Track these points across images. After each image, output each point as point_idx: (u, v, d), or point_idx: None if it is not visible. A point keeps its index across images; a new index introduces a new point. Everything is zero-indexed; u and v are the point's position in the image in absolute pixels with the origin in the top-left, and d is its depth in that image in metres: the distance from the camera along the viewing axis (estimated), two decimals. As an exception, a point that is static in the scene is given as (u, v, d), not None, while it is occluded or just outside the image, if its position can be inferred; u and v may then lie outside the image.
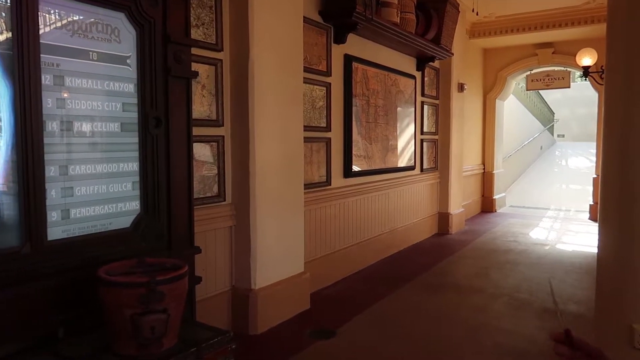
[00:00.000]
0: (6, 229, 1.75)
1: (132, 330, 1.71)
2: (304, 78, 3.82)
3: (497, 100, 9.22)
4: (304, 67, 3.82)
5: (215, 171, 3.21)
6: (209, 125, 3.14)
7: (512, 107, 11.97)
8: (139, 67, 2.14)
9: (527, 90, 10.41)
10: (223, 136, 3.24)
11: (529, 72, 9.10)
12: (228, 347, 2.01)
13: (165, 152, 2.26)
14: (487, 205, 9.18)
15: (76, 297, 1.88)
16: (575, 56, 7.02)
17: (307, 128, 3.97)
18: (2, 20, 1.70)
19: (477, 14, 6.34)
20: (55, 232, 1.89)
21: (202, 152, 3.11)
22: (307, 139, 3.97)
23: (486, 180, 9.25)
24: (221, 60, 3.17)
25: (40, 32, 1.79)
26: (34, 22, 1.76)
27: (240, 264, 3.38)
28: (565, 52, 8.12)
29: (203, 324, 2.22)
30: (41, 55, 1.79)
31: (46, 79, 1.82)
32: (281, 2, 3.43)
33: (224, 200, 3.28)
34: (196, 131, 3.00)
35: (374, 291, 4.31)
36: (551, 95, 20.12)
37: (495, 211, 9.15)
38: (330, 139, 4.45)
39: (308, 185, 4.05)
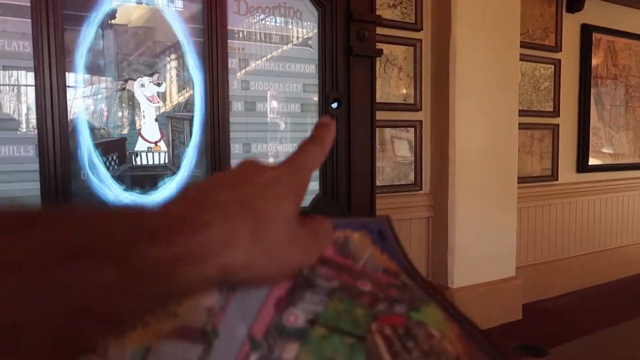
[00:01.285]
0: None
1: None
2: (523, 55, 3.32)
3: None
4: (524, 42, 3.31)
5: (412, 158, 3.05)
6: (405, 109, 2.99)
7: None
8: (320, 48, 2.15)
9: None
10: (421, 121, 3.05)
11: None
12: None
13: (346, 133, 2.22)
14: None
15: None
16: None
17: (525, 113, 3.46)
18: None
19: None
20: (238, 205, 2.04)
21: (397, 137, 2.99)
22: (525, 125, 3.46)
23: None
24: (420, 40, 2.99)
25: (228, 18, 1.95)
26: (222, 11, 1.92)
27: (437, 258, 3.14)
28: None
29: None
30: (228, 40, 1.95)
31: (232, 63, 1.98)
32: (493, -30, 3.05)
33: (421, 190, 3.09)
34: (391, 115, 2.93)
35: (609, 312, 3.49)
36: None
37: None
38: (557, 125, 3.79)
39: (525, 179, 3.53)
